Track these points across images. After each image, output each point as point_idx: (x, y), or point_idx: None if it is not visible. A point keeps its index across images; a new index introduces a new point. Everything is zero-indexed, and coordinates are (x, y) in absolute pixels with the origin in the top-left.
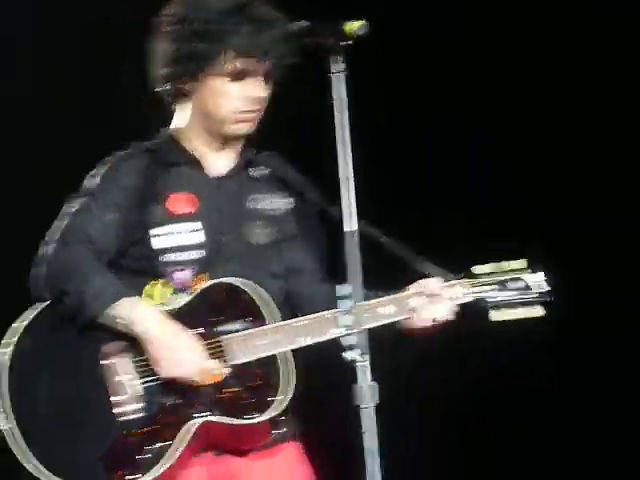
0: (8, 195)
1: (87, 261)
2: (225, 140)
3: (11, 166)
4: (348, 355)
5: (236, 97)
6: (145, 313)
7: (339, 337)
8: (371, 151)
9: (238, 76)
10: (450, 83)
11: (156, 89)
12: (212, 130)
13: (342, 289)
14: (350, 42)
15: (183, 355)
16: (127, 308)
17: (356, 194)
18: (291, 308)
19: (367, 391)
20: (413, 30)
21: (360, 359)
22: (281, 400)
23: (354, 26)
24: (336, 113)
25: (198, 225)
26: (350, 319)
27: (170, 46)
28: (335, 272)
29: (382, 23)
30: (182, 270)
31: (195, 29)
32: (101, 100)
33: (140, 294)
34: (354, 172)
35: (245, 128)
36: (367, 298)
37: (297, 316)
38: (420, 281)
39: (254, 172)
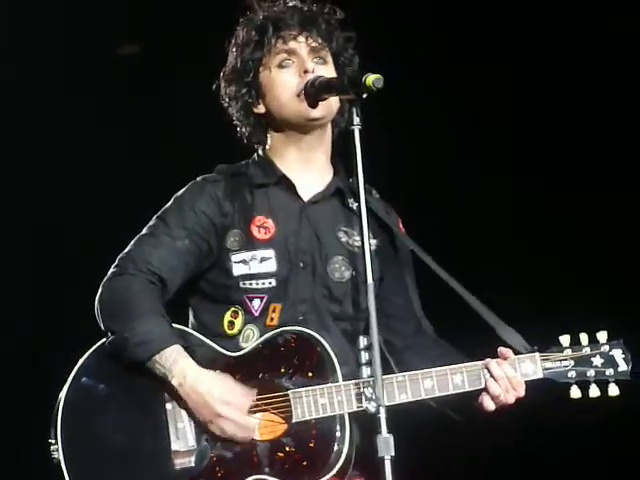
0: None
1: (138, 297)
2: (304, 131)
3: None
4: (370, 406)
5: (289, 77)
6: (185, 367)
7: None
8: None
9: (285, 59)
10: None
11: (239, 127)
12: (289, 126)
13: (364, 340)
14: (367, 95)
15: (220, 413)
16: (169, 359)
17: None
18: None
19: (382, 443)
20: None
21: (376, 411)
22: (334, 465)
23: (372, 78)
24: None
25: (272, 253)
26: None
27: (230, 75)
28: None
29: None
30: (259, 298)
31: (241, 42)
32: None
33: (220, 320)
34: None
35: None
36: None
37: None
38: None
39: (352, 204)
